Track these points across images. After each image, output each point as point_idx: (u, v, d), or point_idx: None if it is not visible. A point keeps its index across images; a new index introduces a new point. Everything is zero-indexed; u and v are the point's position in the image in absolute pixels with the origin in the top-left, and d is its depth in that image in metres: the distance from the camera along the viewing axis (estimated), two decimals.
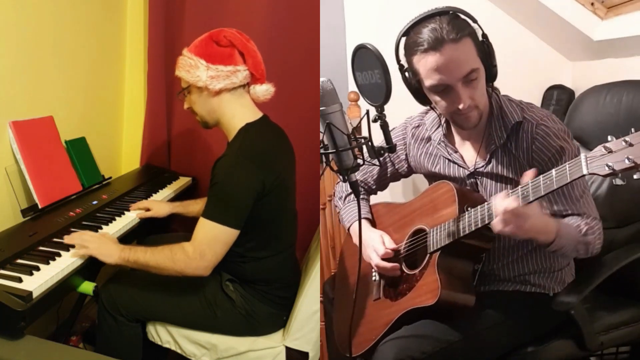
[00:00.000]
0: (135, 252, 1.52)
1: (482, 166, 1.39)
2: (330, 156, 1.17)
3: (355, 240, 1.53)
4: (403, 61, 1.35)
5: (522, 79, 2.23)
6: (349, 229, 1.62)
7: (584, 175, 1.06)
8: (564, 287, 1.44)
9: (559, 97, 2.26)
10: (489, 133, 1.38)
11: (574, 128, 1.77)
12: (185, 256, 1.48)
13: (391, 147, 1.29)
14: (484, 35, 1.29)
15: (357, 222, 1.55)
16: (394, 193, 2.13)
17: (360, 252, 1.30)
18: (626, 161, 0.99)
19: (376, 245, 1.46)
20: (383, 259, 1.44)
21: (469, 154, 1.43)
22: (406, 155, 1.58)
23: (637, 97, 1.61)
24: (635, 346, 1.62)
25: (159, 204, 1.92)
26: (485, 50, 1.29)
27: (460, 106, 1.29)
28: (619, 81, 1.71)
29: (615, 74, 1.81)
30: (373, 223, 1.60)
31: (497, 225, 1.17)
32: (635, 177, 0.99)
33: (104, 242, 1.53)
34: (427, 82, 1.30)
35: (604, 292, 1.52)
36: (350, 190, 1.65)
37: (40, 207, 1.70)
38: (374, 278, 1.52)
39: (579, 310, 1.36)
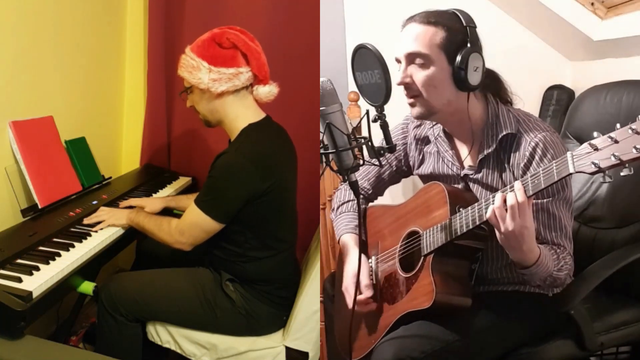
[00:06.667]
0: (138, 215, 1.71)
1: (473, 172, 1.39)
2: (330, 156, 1.17)
3: (351, 255, 1.52)
4: None
5: (522, 79, 2.20)
6: (339, 241, 1.60)
7: (571, 174, 1.05)
8: (563, 287, 1.43)
9: (559, 97, 2.26)
10: (480, 141, 1.37)
11: (574, 128, 1.77)
12: (169, 228, 1.62)
13: (391, 147, 1.29)
14: (472, 42, 1.26)
15: (345, 235, 1.56)
16: (394, 193, 2.13)
17: (360, 254, 1.29)
18: (612, 158, 0.99)
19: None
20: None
21: (463, 156, 1.43)
22: (406, 154, 1.57)
23: (637, 97, 1.60)
24: (635, 346, 1.62)
25: (152, 200, 1.94)
26: (453, 49, 1.26)
27: (397, 81, 1.29)
28: (619, 81, 1.71)
29: (615, 74, 1.80)
30: (366, 234, 1.59)
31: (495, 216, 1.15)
32: (622, 174, 0.99)
33: (113, 211, 1.76)
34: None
35: (603, 292, 1.52)
36: (343, 200, 1.65)
37: (40, 207, 1.70)
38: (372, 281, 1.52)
39: (578, 310, 1.36)
